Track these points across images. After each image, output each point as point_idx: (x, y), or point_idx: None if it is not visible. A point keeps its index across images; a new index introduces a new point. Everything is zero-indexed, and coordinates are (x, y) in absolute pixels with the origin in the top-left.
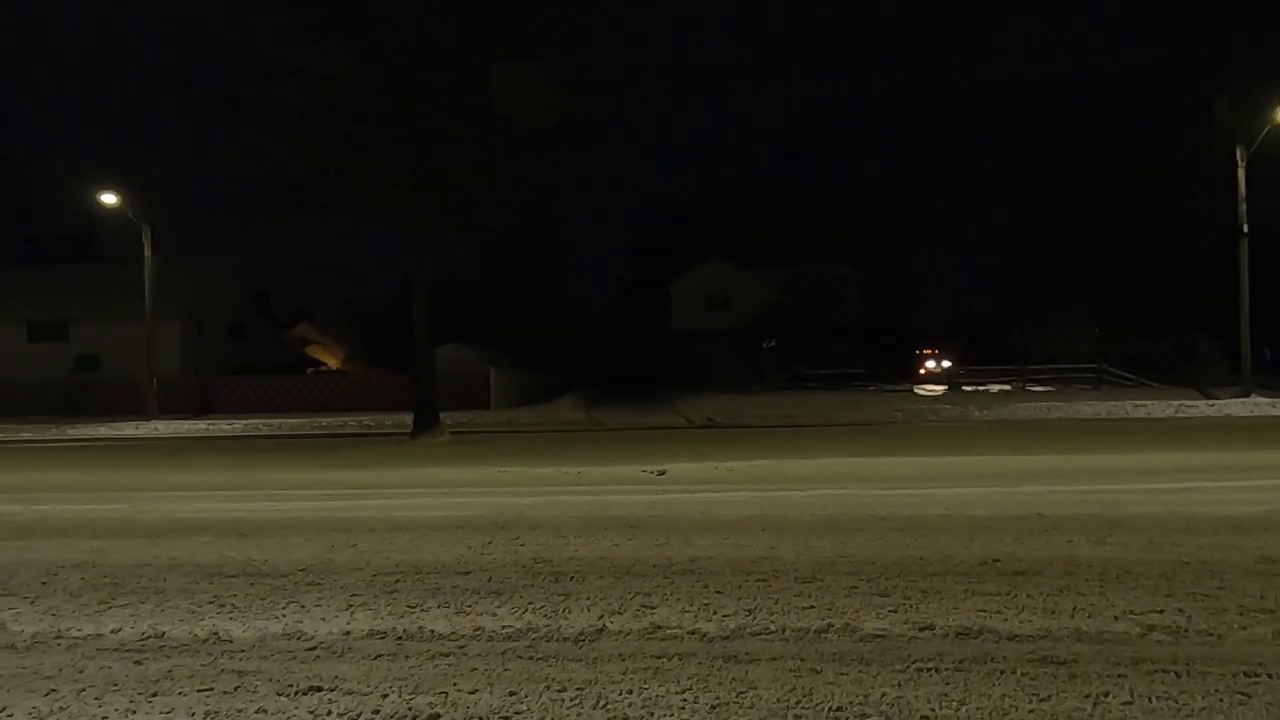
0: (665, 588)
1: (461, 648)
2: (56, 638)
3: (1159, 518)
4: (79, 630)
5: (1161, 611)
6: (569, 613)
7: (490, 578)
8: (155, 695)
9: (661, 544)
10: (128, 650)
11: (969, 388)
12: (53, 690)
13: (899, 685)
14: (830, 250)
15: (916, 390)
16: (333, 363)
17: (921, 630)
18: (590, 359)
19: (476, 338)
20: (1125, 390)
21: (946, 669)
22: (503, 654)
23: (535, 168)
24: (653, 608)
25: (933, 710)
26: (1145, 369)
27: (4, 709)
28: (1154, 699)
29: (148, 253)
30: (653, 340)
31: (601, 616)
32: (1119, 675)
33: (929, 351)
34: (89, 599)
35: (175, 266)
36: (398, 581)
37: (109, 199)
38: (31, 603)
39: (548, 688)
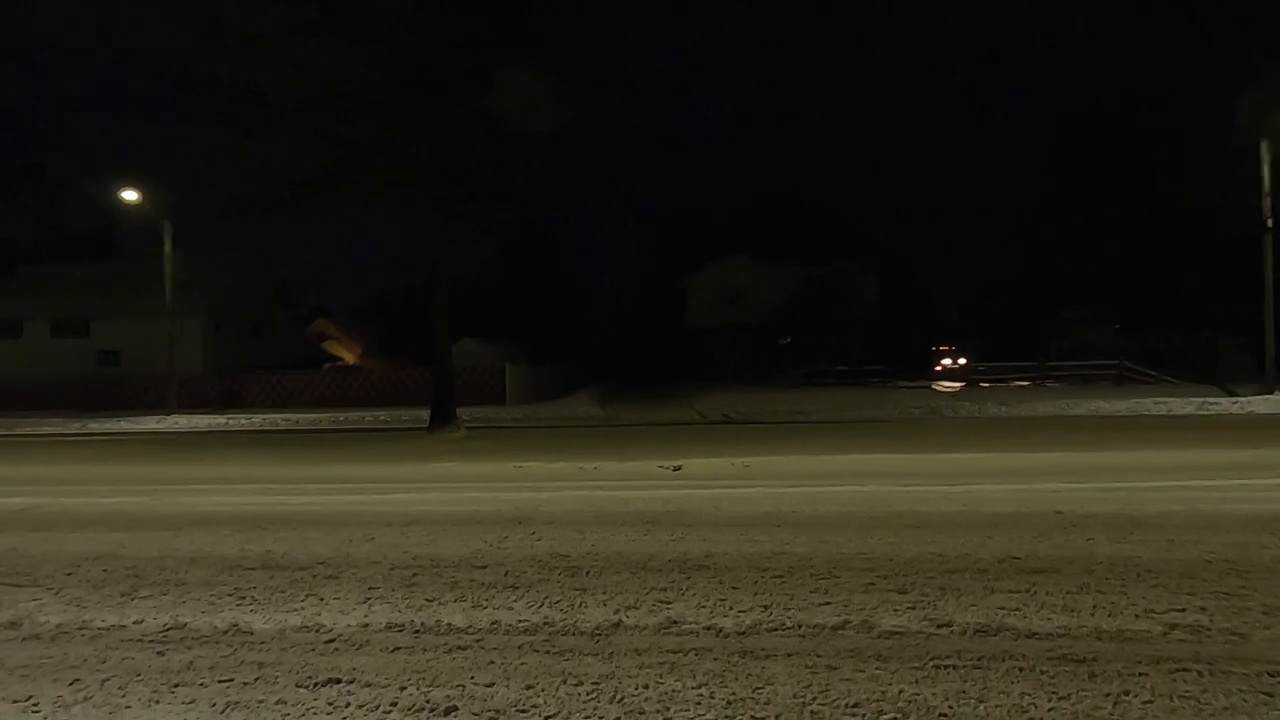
0: (681, 583)
1: (479, 641)
2: (80, 628)
3: (1180, 515)
4: (102, 621)
5: (1183, 610)
6: (585, 607)
7: (507, 572)
8: (177, 686)
9: (677, 539)
10: (150, 641)
11: (987, 384)
12: (77, 680)
13: (916, 682)
14: (847, 247)
15: (934, 386)
16: (350, 358)
17: (939, 627)
18: (606, 355)
19: (492, 333)
20: (1146, 387)
21: (964, 666)
22: (519, 648)
23: (549, 163)
24: (669, 603)
25: (950, 708)
26: (1167, 365)
27: (30, 698)
28: (1175, 698)
29: (168, 249)
30: (669, 336)
31: (618, 611)
32: (1140, 674)
33: (945, 348)
34: (112, 590)
35: (196, 263)
36: (415, 575)
37: (130, 195)
38: (56, 594)
39: (564, 682)
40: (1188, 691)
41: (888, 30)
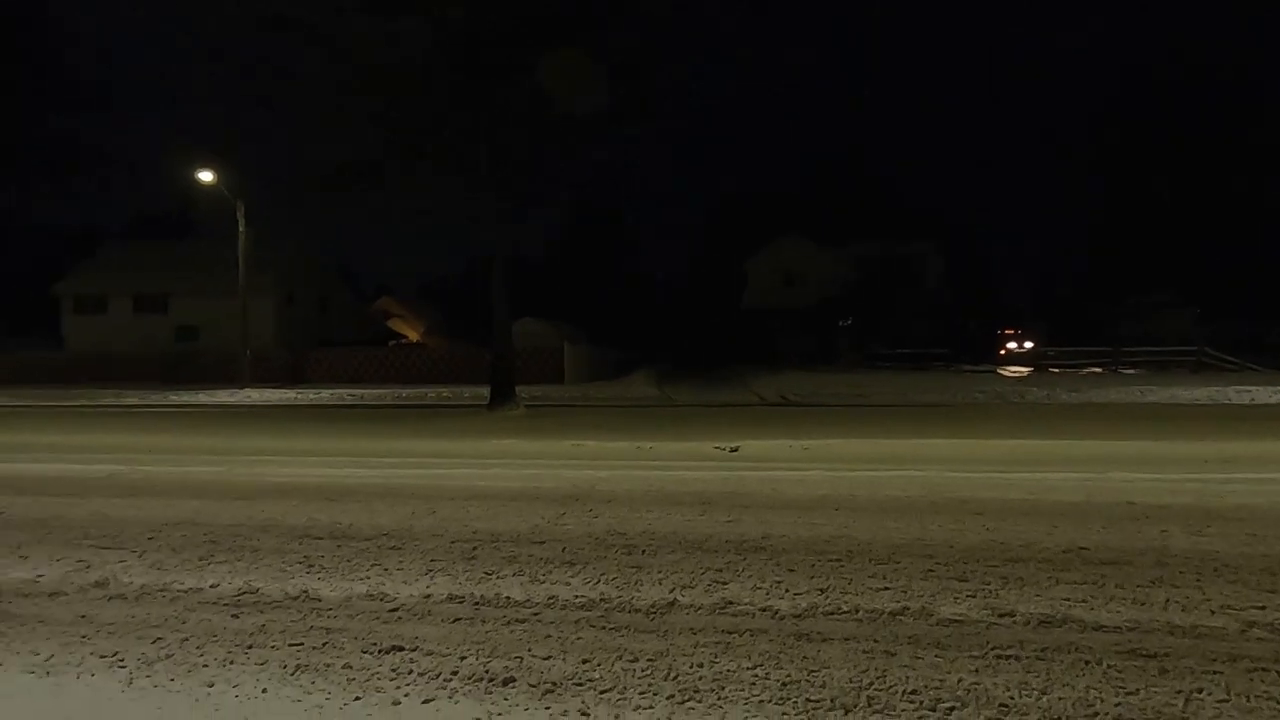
0: (737, 564)
1: (536, 615)
2: (161, 590)
3: (1263, 509)
4: (181, 584)
5: (1263, 608)
6: (641, 585)
7: (564, 548)
8: (250, 648)
9: (733, 520)
10: (225, 604)
11: (1056, 369)
12: (159, 639)
13: (977, 671)
14: (910, 227)
15: (1000, 371)
16: (413, 336)
17: (1001, 617)
18: (664, 335)
19: (551, 313)
20: (1227, 375)
21: (1027, 657)
22: (576, 623)
23: (604, 145)
24: (724, 583)
25: (1012, 698)
26: (1250, 353)
27: (116, 653)
28: (1253, 698)
29: (241, 228)
30: (727, 317)
31: (673, 590)
32: (1214, 672)
33: (1011, 331)
34: (190, 555)
35: (268, 242)
36: (475, 549)
37: (205, 177)
38: (139, 556)
39: (620, 658)
40: (1266, 692)
41: (953, 3)
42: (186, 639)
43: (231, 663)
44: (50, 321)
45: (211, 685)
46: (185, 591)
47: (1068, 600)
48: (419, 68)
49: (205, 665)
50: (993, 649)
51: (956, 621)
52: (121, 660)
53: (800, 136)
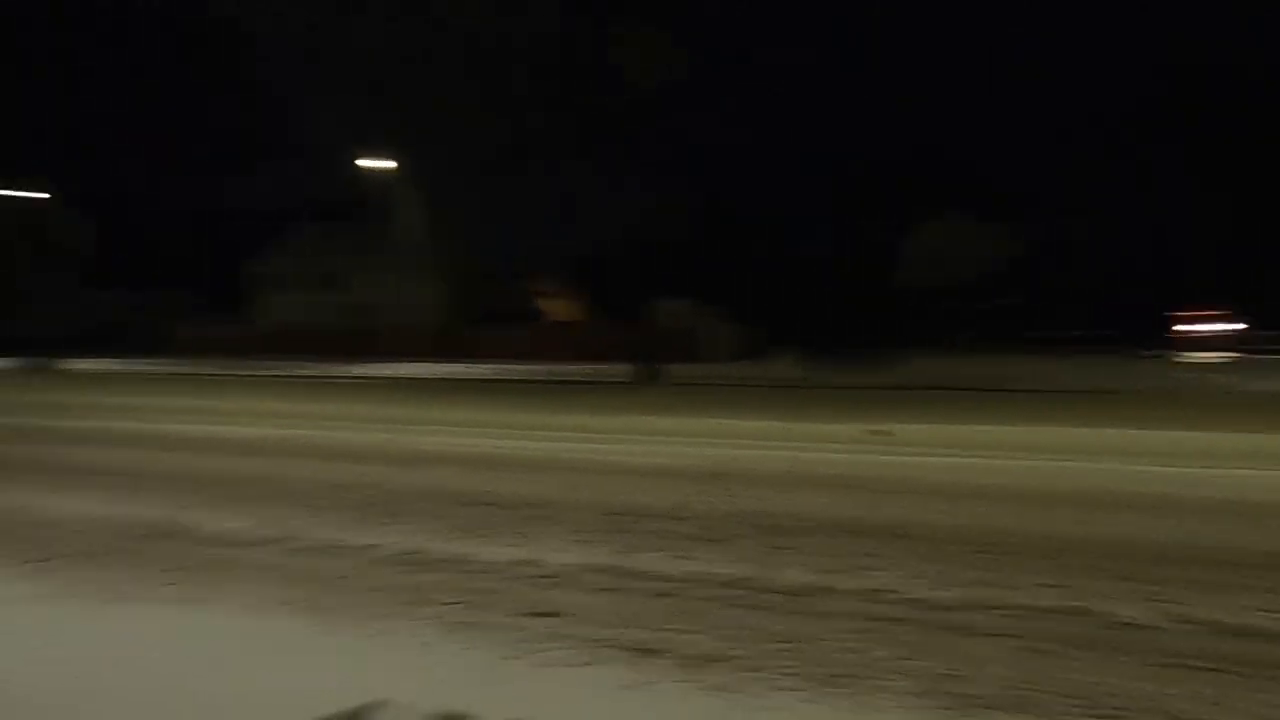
0: (884, 550)
1: (680, 590)
2: (340, 546)
3: None
4: (357, 540)
5: None
6: (784, 566)
7: (705, 525)
8: (415, 603)
9: (881, 505)
10: (394, 561)
11: (1254, 354)
12: (339, 589)
13: (1141, 679)
14: (1072, 203)
15: (1180, 356)
16: (563, 314)
17: (1175, 622)
18: (808, 315)
19: (695, 292)
20: None
21: (1205, 669)
22: (719, 600)
23: (745, 121)
24: (869, 570)
25: (1183, 710)
26: None
27: (305, 599)
28: None
29: (410, 212)
30: (874, 297)
31: (817, 573)
32: None
33: (1190, 312)
34: (363, 515)
35: (434, 224)
36: (620, 522)
37: (379, 164)
38: (320, 514)
39: (763, 637)
40: None
41: None
42: (361, 591)
43: (399, 616)
44: (243, 299)
45: (382, 635)
46: (360, 548)
47: (1262, 611)
48: (555, 48)
49: (376, 617)
50: (1163, 656)
51: (1125, 624)
52: (310, 606)
53: (957, 111)
